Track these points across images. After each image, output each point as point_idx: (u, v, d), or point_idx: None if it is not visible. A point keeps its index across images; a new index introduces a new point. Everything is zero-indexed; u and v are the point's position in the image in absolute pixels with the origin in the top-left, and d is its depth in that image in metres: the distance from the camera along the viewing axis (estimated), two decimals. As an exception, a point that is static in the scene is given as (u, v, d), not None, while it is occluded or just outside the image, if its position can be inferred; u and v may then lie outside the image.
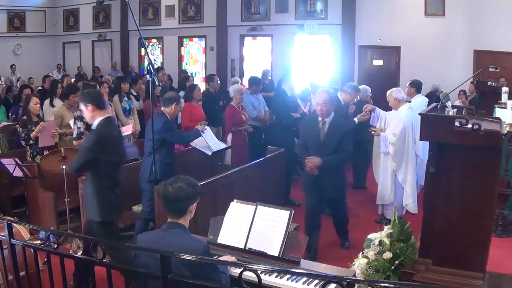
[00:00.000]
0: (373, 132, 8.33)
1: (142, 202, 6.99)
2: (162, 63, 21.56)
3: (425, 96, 10.29)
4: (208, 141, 7.86)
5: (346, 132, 6.88)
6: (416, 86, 9.57)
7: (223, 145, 8.34)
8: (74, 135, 7.55)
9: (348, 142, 6.84)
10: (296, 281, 4.09)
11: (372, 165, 8.84)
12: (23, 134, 8.04)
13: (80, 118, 7.43)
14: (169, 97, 7.18)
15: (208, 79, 12.41)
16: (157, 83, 6.88)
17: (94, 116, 5.58)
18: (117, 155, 5.91)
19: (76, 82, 13.55)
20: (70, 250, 6.76)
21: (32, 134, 7.93)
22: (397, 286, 3.16)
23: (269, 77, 16.02)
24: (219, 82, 12.31)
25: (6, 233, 4.24)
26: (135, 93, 11.37)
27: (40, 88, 14.51)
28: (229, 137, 9.50)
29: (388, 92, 8.45)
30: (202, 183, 6.15)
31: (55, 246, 4.00)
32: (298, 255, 4.33)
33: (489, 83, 12.36)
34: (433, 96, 11.85)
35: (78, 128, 7.45)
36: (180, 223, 3.80)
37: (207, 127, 7.94)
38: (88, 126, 7.49)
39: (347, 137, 6.86)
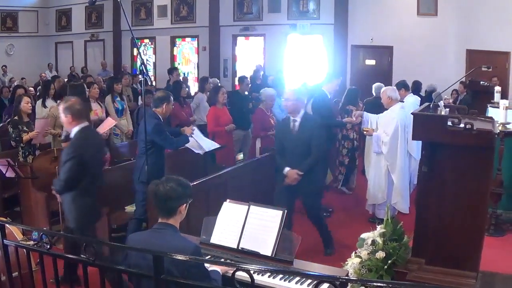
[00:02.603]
0: (365, 132, 8.35)
1: (135, 202, 6.98)
2: (154, 63, 21.59)
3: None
4: (200, 142, 7.81)
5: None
6: (404, 86, 9.68)
7: (216, 145, 8.28)
8: (62, 137, 7.57)
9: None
10: (289, 281, 4.08)
11: (365, 164, 8.89)
12: (13, 135, 7.99)
13: None
14: (159, 97, 7.10)
15: (240, 80, 12.14)
16: (149, 83, 6.83)
17: None
18: None
19: (69, 82, 13.49)
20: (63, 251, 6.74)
21: (25, 138, 7.89)
22: (390, 285, 3.15)
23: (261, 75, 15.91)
24: (249, 84, 12.06)
25: (-1, 234, 4.23)
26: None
27: (31, 87, 14.48)
28: (258, 142, 9.44)
29: (382, 90, 8.48)
30: (195, 183, 6.15)
31: (48, 246, 3.99)
32: (291, 255, 4.33)
33: (481, 82, 12.42)
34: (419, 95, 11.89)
35: (66, 130, 7.44)
36: (170, 224, 3.78)
37: (195, 128, 7.88)
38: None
39: None
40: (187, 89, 10.76)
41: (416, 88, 12.56)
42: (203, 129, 9.39)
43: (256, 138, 9.66)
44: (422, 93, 12.48)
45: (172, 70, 13.53)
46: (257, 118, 9.61)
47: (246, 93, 11.94)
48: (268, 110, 9.65)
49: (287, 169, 6.83)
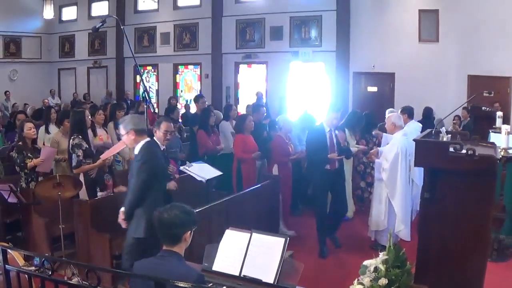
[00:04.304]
0: (369, 159, 8.37)
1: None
2: (157, 90, 21.71)
3: (418, 121, 10.36)
4: (198, 173, 7.77)
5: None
6: (408, 112, 9.67)
7: (218, 172, 8.26)
8: (74, 163, 7.51)
9: None
10: (292, 308, 4.07)
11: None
12: (18, 161, 7.99)
13: (79, 146, 7.42)
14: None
15: (254, 109, 11.95)
16: (152, 110, 6.78)
17: None
18: None
19: (71, 108, 13.56)
20: (65, 277, 6.72)
21: (29, 164, 7.88)
22: (393, 312, 3.15)
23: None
24: (265, 113, 11.83)
25: (1, 259, 4.22)
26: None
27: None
28: (275, 168, 9.34)
29: (388, 115, 8.50)
30: (197, 210, 6.13)
31: (50, 272, 3.98)
32: (293, 282, 4.31)
33: (483, 108, 12.45)
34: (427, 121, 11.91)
35: (78, 156, 7.44)
36: (175, 251, 3.78)
37: (193, 164, 7.83)
38: (86, 154, 7.49)
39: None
40: (214, 117, 10.65)
41: (427, 114, 12.63)
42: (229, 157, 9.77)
43: (274, 165, 9.43)
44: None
45: (198, 98, 13.26)
46: (277, 144, 9.43)
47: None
48: (287, 137, 9.65)
49: (122, 208, 5.93)
